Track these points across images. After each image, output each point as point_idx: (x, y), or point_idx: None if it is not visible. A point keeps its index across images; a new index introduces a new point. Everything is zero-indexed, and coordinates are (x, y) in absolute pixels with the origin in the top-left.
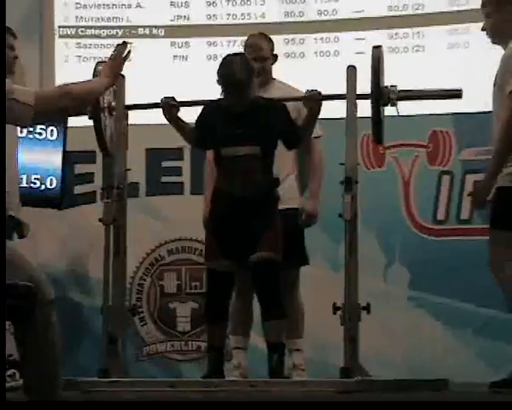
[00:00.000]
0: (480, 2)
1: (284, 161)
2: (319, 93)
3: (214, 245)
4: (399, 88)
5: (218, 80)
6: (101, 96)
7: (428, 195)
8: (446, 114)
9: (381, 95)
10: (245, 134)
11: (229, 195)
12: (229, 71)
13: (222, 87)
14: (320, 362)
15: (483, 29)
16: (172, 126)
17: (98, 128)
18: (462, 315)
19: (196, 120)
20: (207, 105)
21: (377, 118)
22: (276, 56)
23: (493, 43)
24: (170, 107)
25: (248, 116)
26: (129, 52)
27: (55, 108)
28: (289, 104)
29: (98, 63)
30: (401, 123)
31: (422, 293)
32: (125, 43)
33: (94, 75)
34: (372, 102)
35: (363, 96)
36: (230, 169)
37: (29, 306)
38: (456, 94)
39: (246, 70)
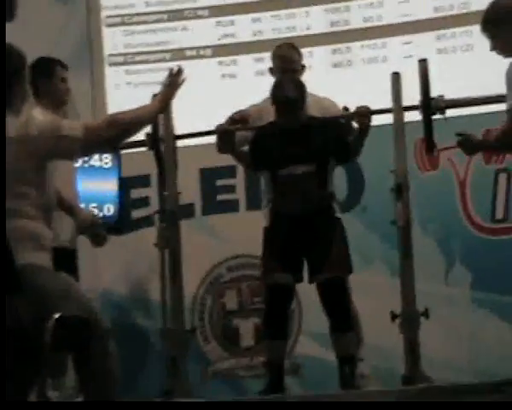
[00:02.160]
0: (480, 26)
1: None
2: (368, 108)
3: (273, 261)
4: (450, 89)
5: (272, 101)
6: (159, 126)
7: (485, 194)
8: (499, 112)
9: (431, 106)
10: (300, 153)
11: (287, 214)
12: (283, 91)
13: (276, 107)
14: (385, 370)
15: (492, 49)
16: (229, 154)
17: (159, 158)
18: None
19: (250, 144)
20: (260, 128)
21: (428, 129)
22: (303, 67)
23: (506, 57)
24: (224, 133)
25: (302, 135)
26: (183, 79)
27: (103, 139)
28: (314, 108)
29: (154, 96)
30: (454, 124)
31: (486, 293)
32: (179, 70)
33: None
34: (422, 115)
35: (412, 108)
36: (288, 188)
37: (84, 337)
38: (500, 99)
39: (299, 89)
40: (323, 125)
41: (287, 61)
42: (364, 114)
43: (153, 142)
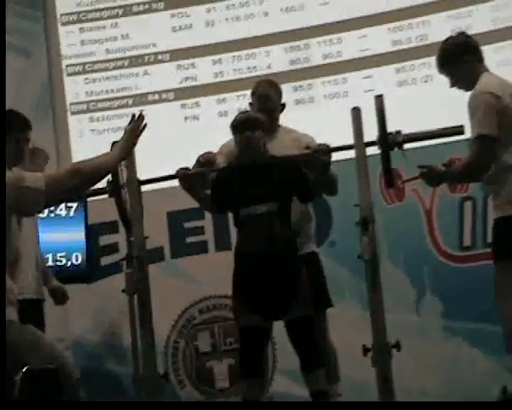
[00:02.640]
0: (437, 68)
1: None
2: (327, 146)
3: (241, 303)
4: (411, 120)
5: (232, 131)
6: (120, 172)
7: (452, 223)
8: (463, 141)
9: (388, 142)
10: (262, 192)
11: (250, 254)
12: (237, 116)
13: (234, 131)
14: None
15: (451, 86)
16: (191, 197)
17: (120, 205)
18: (500, 339)
19: (212, 187)
20: (221, 170)
21: (386, 164)
22: (283, 105)
23: (466, 91)
24: (186, 177)
25: (263, 175)
26: (145, 125)
27: (66, 189)
28: (292, 144)
29: (113, 143)
30: (418, 154)
31: (457, 322)
32: (140, 115)
33: None
34: (380, 150)
35: (371, 144)
36: (250, 228)
37: (54, 388)
38: (458, 131)
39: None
40: (285, 164)
41: (265, 101)
42: (324, 151)
43: (113, 189)
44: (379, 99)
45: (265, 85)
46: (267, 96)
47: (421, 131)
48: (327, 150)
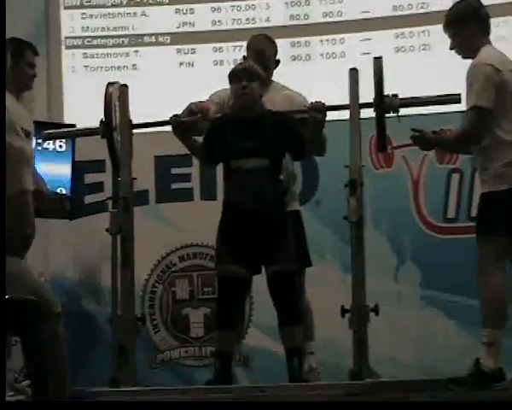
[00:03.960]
0: (443, 26)
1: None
2: (323, 104)
3: (225, 253)
4: (406, 87)
5: (229, 80)
6: (114, 114)
7: (438, 193)
8: (455, 112)
9: (384, 105)
10: (254, 147)
11: (239, 207)
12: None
13: (231, 80)
14: (332, 364)
15: (451, 48)
16: (183, 144)
17: (111, 147)
18: (477, 313)
19: (204, 137)
20: (215, 120)
21: (381, 127)
22: (278, 61)
23: (464, 58)
24: (179, 124)
25: (257, 128)
26: None
27: None
28: (283, 102)
29: (109, 84)
30: (409, 122)
31: (435, 292)
32: None
33: (105, 96)
34: (375, 113)
35: (366, 105)
36: (240, 182)
37: (34, 319)
38: (455, 99)
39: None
40: (279, 120)
41: (259, 57)
42: (320, 109)
43: (106, 130)
44: (378, 61)
45: (261, 41)
46: (262, 52)
47: (418, 96)
48: (322, 109)
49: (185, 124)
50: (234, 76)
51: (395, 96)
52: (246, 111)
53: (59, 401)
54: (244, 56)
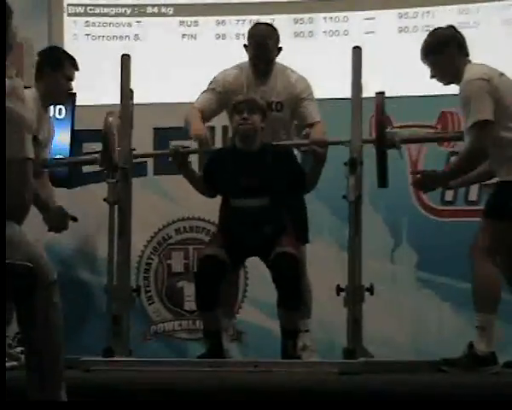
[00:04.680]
0: (420, 57)
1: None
2: (324, 140)
3: (215, 241)
4: (408, 69)
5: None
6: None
7: None
8: (455, 95)
9: (385, 142)
10: (254, 186)
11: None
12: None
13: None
14: (327, 342)
15: (432, 77)
16: (182, 175)
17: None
18: (471, 296)
19: (204, 169)
20: (214, 152)
21: (381, 164)
22: (280, 49)
23: (446, 85)
24: (180, 155)
25: (257, 166)
26: None
27: None
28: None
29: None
30: (410, 104)
31: (430, 274)
32: None
33: (104, 126)
34: (376, 150)
35: (367, 141)
36: (242, 219)
37: (29, 286)
38: (456, 137)
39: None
40: (280, 156)
41: (262, 50)
42: (321, 143)
43: (105, 161)
44: (379, 96)
45: (263, 32)
46: (265, 46)
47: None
48: (324, 143)
49: (185, 156)
50: (236, 108)
51: (395, 131)
52: (246, 143)
53: (59, 401)
54: (245, 45)
